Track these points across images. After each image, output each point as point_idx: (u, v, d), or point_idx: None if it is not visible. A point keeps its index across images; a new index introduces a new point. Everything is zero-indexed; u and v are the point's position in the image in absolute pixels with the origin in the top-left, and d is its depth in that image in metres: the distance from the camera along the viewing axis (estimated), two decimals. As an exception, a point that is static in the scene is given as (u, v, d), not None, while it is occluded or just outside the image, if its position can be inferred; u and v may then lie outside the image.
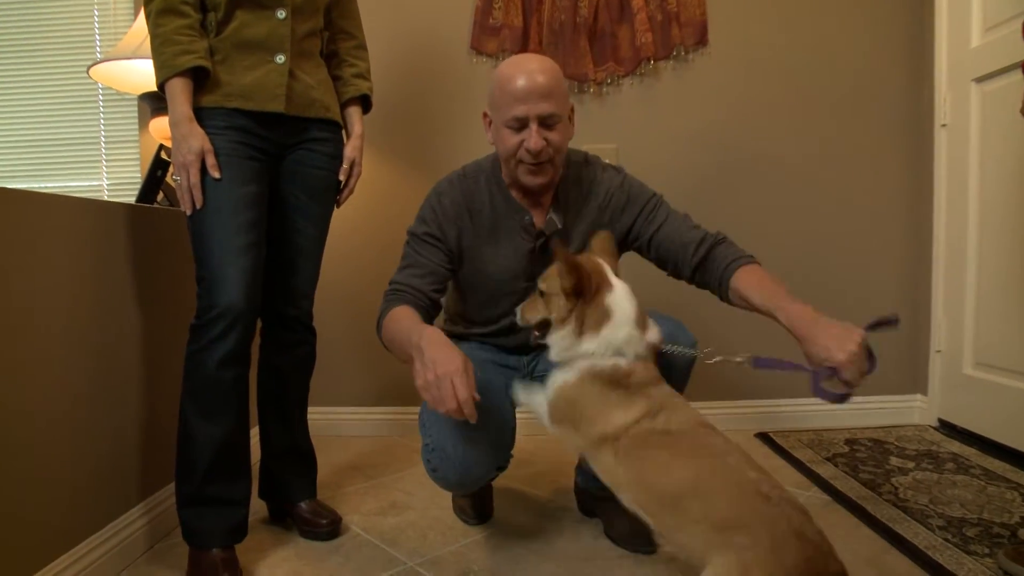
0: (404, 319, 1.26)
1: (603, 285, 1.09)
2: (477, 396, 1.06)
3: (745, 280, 1.26)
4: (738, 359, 1.17)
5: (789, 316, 1.13)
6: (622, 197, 1.43)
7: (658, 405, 1.02)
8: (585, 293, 1.08)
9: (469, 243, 1.41)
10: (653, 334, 1.12)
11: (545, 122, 1.29)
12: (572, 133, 1.38)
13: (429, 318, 1.37)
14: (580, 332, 1.08)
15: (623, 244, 1.45)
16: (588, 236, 1.41)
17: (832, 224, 2.27)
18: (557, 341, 1.12)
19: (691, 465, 0.96)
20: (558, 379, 1.11)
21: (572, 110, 1.38)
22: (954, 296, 2.11)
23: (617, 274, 1.15)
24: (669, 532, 0.97)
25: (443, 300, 1.45)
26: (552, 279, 1.13)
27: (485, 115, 1.40)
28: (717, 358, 1.18)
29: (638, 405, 1.02)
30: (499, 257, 1.41)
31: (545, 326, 1.16)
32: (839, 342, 1.03)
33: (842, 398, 1.05)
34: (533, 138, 1.28)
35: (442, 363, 1.07)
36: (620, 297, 1.10)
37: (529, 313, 1.19)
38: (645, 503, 0.99)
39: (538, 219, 1.41)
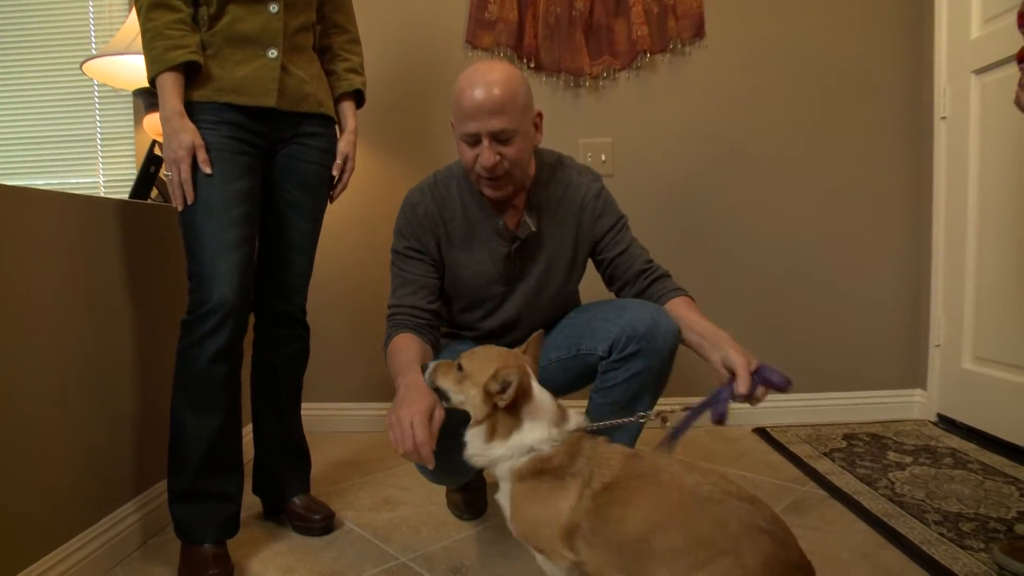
0: (400, 353, 1.25)
1: (521, 398, 1.02)
2: (433, 445, 1.03)
3: (677, 306, 1.35)
4: (659, 415, 1.19)
5: (710, 332, 1.25)
6: (599, 206, 1.44)
7: (588, 471, 0.97)
8: (504, 406, 1.01)
9: (446, 251, 1.41)
10: (573, 422, 1.04)
11: (498, 137, 1.26)
12: (538, 140, 1.37)
13: (434, 332, 1.37)
14: (490, 437, 1.02)
15: (590, 252, 1.47)
16: (562, 239, 1.42)
17: (830, 218, 2.25)
18: (470, 439, 1.06)
19: (637, 502, 0.92)
20: (505, 499, 1.04)
21: (540, 116, 1.35)
22: (953, 290, 2.10)
23: (536, 374, 1.08)
24: None
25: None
26: (480, 371, 1.04)
27: (452, 124, 1.35)
28: (652, 415, 1.19)
29: (572, 485, 0.97)
30: (474, 263, 1.40)
31: (443, 397, 1.10)
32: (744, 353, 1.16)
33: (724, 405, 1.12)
34: (485, 154, 1.26)
35: (407, 404, 1.06)
36: (536, 406, 1.03)
37: (440, 379, 1.10)
38: (629, 568, 0.92)
39: (512, 222, 1.40)
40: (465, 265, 1.41)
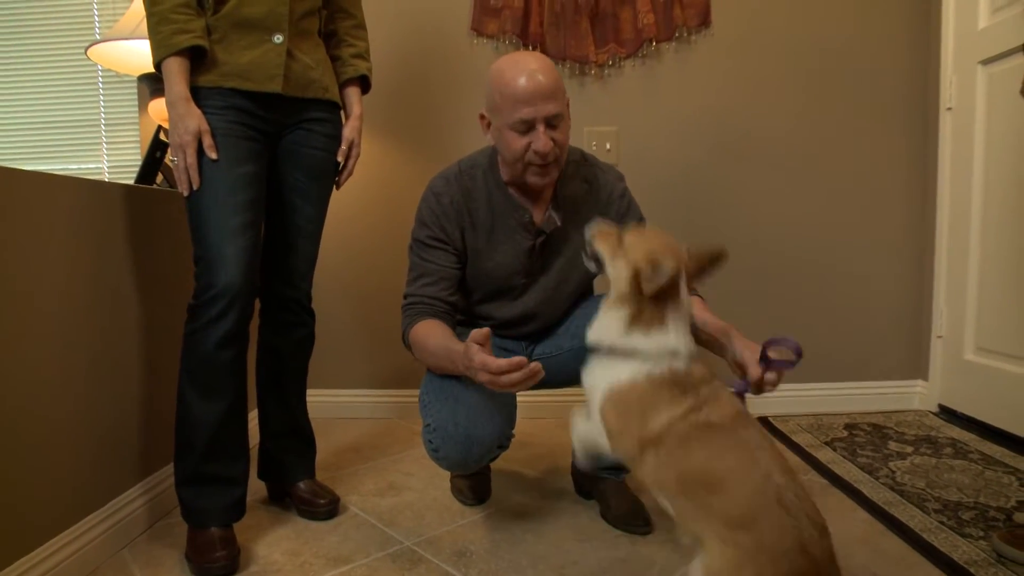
0: (434, 337, 1.27)
1: (671, 293, 0.99)
2: (524, 358, 1.07)
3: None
4: None
5: (719, 329, 1.22)
6: (623, 205, 1.45)
7: (703, 400, 0.96)
8: (651, 295, 0.98)
9: (470, 241, 1.40)
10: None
11: (551, 123, 1.27)
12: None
13: (452, 323, 1.38)
14: (631, 324, 0.99)
15: None
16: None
17: (834, 208, 2.25)
18: (606, 318, 1.02)
19: (723, 460, 0.93)
20: (607, 380, 1.00)
21: (567, 105, 1.36)
22: (956, 281, 2.10)
23: (691, 286, 1.05)
24: (685, 519, 0.95)
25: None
26: (637, 248, 1.01)
27: (482, 116, 1.37)
28: None
29: (685, 403, 0.96)
30: (497, 255, 1.41)
31: (598, 264, 1.08)
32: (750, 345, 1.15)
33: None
34: (542, 140, 1.26)
35: (475, 366, 1.11)
36: (682, 312, 1.01)
37: (599, 241, 1.08)
38: (675, 492, 0.95)
39: (537, 215, 1.41)
40: (488, 256, 1.41)
